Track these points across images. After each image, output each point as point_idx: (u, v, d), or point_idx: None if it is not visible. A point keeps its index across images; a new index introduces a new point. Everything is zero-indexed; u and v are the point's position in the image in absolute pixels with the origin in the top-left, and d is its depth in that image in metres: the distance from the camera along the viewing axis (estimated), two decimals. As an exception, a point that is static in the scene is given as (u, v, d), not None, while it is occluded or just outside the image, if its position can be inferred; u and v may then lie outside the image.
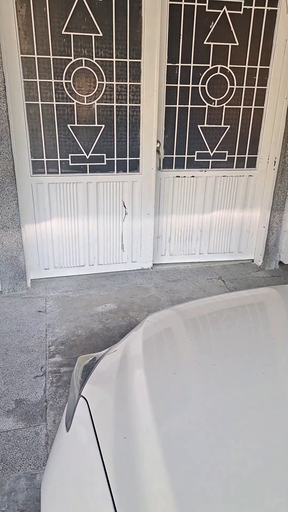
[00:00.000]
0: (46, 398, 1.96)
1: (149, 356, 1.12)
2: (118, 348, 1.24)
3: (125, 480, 0.77)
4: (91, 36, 2.61)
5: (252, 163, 3.24)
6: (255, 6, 2.78)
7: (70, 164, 2.88)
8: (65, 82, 2.67)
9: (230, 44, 2.85)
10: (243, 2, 2.75)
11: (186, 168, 3.14)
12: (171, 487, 0.73)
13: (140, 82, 2.78)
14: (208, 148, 3.11)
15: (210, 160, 3.16)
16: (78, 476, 0.87)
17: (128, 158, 2.97)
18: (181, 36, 2.76)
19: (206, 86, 2.92)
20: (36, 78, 2.62)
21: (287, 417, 0.84)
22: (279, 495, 0.70)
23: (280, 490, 0.70)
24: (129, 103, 2.82)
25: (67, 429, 1.01)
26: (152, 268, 3.35)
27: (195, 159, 3.12)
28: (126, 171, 3.00)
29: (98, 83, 2.73)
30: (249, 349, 1.10)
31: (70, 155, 2.85)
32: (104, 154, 2.92)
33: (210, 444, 0.80)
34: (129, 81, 2.77)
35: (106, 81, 2.73)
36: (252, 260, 3.58)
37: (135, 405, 0.92)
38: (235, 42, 2.85)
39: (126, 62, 2.72)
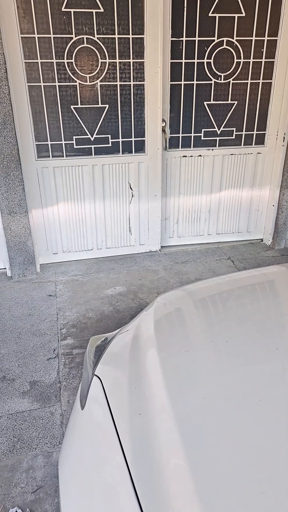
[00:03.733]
0: (59, 379, 2.00)
1: (161, 334, 1.12)
2: (130, 328, 1.25)
3: (142, 454, 0.78)
4: (92, 12, 2.53)
5: (260, 140, 3.17)
6: (262, -27, 2.66)
7: (75, 146, 2.84)
8: (67, 62, 2.61)
9: (236, 15, 2.74)
10: None
11: (193, 147, 3.07)
12: (188, 461, 0.74)
13: (143, 59, 2.70)
14: (215, 125, 3.04)
15: (218, 138, 3.09)
16: (95, 452, 0.88)
17: (133, 139, 2.92)
18: (185, 8, 2.66)
19: (212, 60, 2.83)
20: (37, 59, 2.56)
21: (302, 391, 0.83)
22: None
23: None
24: (133, 81, 2.75)
25: (82, 407, 1.03)
26: (160, 250, 3.34)
27: (202, 138, 3.06)
28: (131, 152, 2.95)
29: (101, 62, 2.66)
30: (261, 325, 1.09)
31: (74, 137, 2.81)
32: (109, 135, 2.87)
33: (225, 419, 0.80)
34: (132, 58, 2.69)
35: (109, 59, 2.66)
36: (262, 240, 3.54)
37: (149, 382, 0.93)
38: (241, 13, 2.74)
39: (129, 38, 2.64)
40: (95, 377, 1.06)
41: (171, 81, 2.84)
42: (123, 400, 0.91)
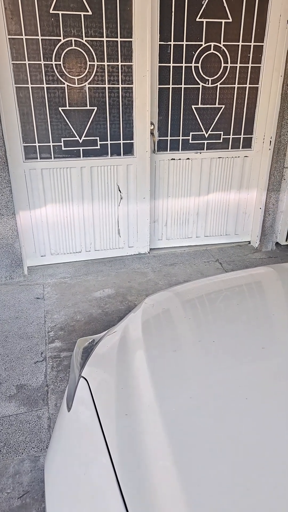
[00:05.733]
0: (47, 383, 1.97)
1: (148, 335, 1.12)
2: (117, 329, 1.24)
3: (128, 455, 0.78)
4: (80, 14, 2.53)
5: (247, 144, 3.21)
6: (248, -21, 2.70)
7: (63, 148, 2.83)
8: (55, 64, 2.60)
9: (223, 21, 2.77)
10: (235, -25, 2.67)
11: (181, 150, 3.09)
12: (174, 461, 0.73)
13: (132, 62, 2.72)
14: (203, 129, 3.07)
15: (205, 142, 3.11)
16: (81, 455, 0.87)
17: (121, 141, 2.92)
18: (173, 13, 2.68)
19: (199, 65, 2.86)
20: (25, 60, 2.55)
21: (287, 389, 0.84)
22: (282, 464, 0.70)
23: (281, 460, 0.71)
24: (121, 84, 2.76)
25: (69, 409, 1.02)
26: (149, 252, 3.34)
27: (190, 141, 3.08)
28: (120, 155, 2.96)
29: (89, 64, 2.66)
30: (248, 325, 1.10)
31: (62, 139, 2.81)
32: (97, 138, 2.87)
33: (212, 418, 0.80)
34: (121, 61, 2.70)
35: (97, 61, 2.67)
36: (249, 242, 3.58)
37: (136, 383, 0.93)
38: (228, 18, 2.78)
39: (117, 41, 2.65)
40: (82, 378, 1.05)
41: (159, 84, 2.85)
42: (109, 401, 0.91)
